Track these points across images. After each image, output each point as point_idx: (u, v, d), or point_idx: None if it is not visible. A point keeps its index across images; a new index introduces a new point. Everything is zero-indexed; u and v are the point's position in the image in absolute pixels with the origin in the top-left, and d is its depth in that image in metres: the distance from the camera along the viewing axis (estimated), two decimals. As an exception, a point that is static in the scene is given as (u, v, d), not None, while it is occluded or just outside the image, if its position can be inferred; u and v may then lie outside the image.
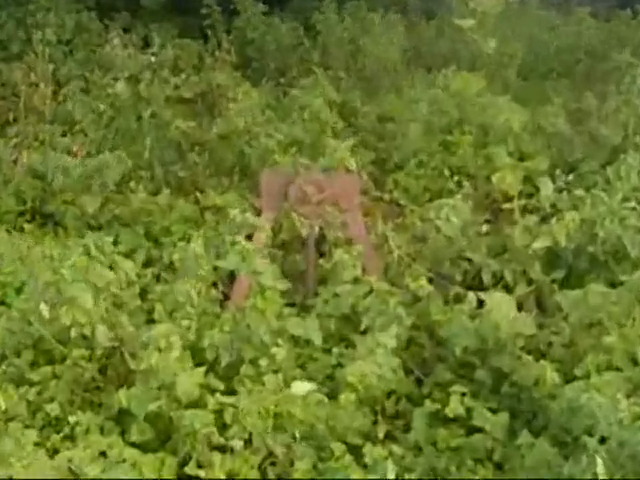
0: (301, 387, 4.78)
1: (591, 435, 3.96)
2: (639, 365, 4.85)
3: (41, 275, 5.08)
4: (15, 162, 8.44)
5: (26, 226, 7.84)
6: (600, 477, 3.20)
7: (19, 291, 5.97)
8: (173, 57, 11.01)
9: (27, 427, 4.53)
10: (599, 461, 3.30)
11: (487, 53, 10.92)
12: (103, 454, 4.40)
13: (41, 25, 11.62)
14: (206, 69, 11.10)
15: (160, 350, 4.74)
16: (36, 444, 4.29)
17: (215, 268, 5.84)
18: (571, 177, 7.41)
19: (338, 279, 6.02)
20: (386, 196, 8.48)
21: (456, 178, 8.15)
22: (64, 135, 9.16)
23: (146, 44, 11.33)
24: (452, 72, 9.52)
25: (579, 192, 6.65)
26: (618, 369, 4.86)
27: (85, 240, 6.26)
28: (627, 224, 6.23)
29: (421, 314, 5.87)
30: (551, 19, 13.81)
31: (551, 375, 4.87)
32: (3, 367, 5.12)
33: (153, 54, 10.63)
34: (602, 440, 3.95)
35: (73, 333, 5.00)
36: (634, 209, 6.42)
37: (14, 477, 3.69)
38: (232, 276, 6.04)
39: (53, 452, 4.42)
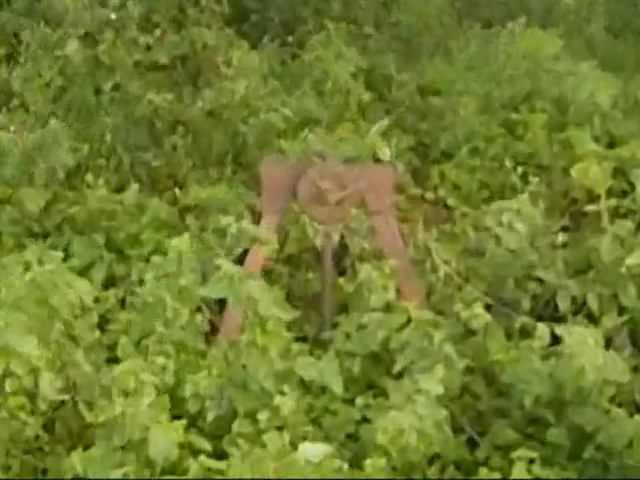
0: (313, 450, 4.80)
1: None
2: None
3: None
4: None
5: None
6: None
7: None
8: (144, 9, 11.05)
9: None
10: None
11: (565, 1, 10.97)
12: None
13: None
14: (188, 24, 11.14)
15: (126, 397, 4.78)
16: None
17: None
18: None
19: (364, 305, 6.12)
20: (429, 195, 8.49)
21: (523, 170, 8.20)
22: (-3, 110, 9.19)
23: None
24: (519, 28, 9.51)
25: None
26: None
27: (25, 253, 6.35)
28: None
29: (476, 352, 5.92)
30: None
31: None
32: None
33: (119, 3, 10.71)
34: None
35: (8, 386, 5.01)
36: None
37: None
38: (222, 301, 6.07)
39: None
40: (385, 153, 7.56)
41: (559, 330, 5.55)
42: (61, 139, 7.88)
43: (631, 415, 5.14)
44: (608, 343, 5.63)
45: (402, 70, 10.40)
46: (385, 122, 7.77)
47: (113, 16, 10.23)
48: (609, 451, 5.07)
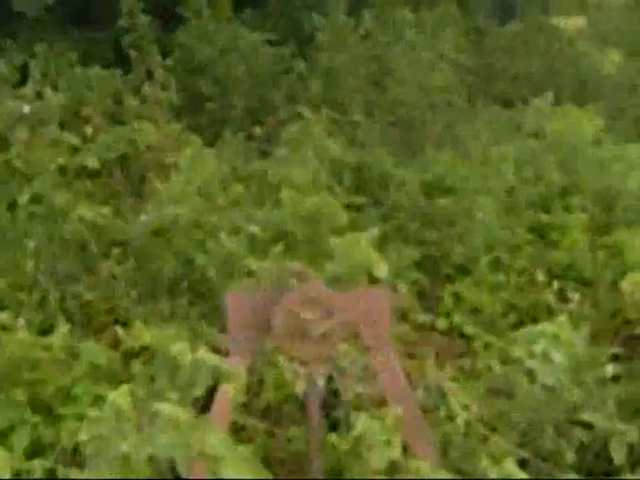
0: None
1: None
2: None
3: None
4: None
5: None
6: None
7: None
8: (70, 98, 11.13)
9: None
10: None
11: (608, 73, 11.07)
12: None
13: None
14: (128, 117, 11.24)
15: None
16: None
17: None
18: None
19: (362, 467, 6.10)
20: (441, 322, 8.56)
21: (559, 286, 8.30)
22: None
23: (23, 77, 11.46)
24: (547, 105, 9.59)
25: None
26: None
27: None
28: None
29: None
30: None
31: None
32: None
33: (36, 93, 10.80)
34: None
35: None
36: None
37: None
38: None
39: None
40: (382, 271, 7.63)
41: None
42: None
43: None
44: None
45: (401, 165, 10.44)
46: (376, 230, 7.87)
47: (26, 109, 10.27)
48: None
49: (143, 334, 7.65)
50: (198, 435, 5.44)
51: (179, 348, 6.05)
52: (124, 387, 6.34)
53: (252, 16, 14.45)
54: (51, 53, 12.88)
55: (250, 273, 7.90)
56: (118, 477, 5.81)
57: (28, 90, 10.47)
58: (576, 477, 6.21)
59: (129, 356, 7.85)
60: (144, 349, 7.67)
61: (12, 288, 8.52)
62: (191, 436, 5.42)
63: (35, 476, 6.57)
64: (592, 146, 9.12)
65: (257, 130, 11.84)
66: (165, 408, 5.51)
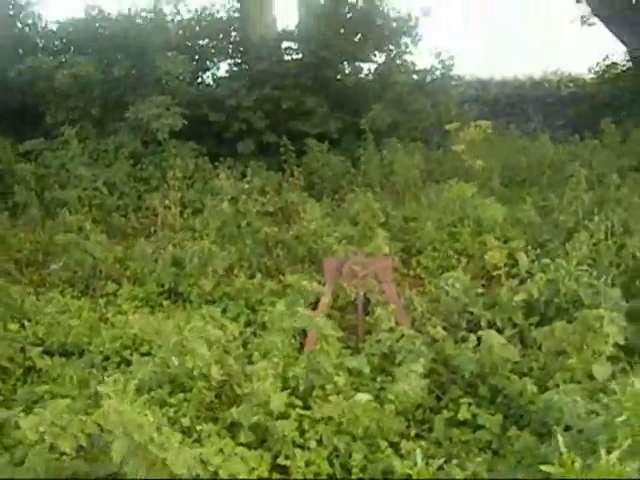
0: (362, 397, 4.89)
1: (558, 425, 4.03)
2: (593, 379, 4.90)
3: (172, 337, 5.19)
4: (156, 260, 8.56)
5: (164, 302, 7.88)
6: (562, 451, 3.26)
7: (159, 348, 5.82)
8: (261, 184, 11.27)
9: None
10: (560, 440, 3.36)
11: (476, 169, 11.02)
12: (221, 451, 4.52)
13: (171, 167, 12.02)
14: (284, 191, 11.35)
15: (258, 380, 4.86)
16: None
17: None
18: (540, 251, 7.54)
19: (379, 329, 6.08)
20: (411, 272, 8.51)
21: (457, 257, 8.26)
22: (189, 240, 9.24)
23: (243, 176, 11.59)
24: (454, 183, 9.56)
25: (546, 261, 6.73)
26: (578, 382, 4.91)
27: (203, 310, 6.47)
28: (581, 281, 6.32)
29: (439, 351, 5.87)
30: (522, 143, 13.83)
31: (530, 388, 4.94)
32: (151, 394, 5.21)
33: (247, 182, 10.96)
34: (566, 428, 4.02)
35: (195, 372, 5.11)
36: (586, 271, 6.51)
37: (168, 462, 3.82)
38: (304, 331, 6.07)
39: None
40: (387, 251, 7.68)
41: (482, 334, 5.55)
42: (221, 256, 8.03)
43: (521, 378, 5.10)
44: (507, 343, 5.57)
45: (395, 209, 10.29)
46: (385, 235, 7.91)
47: (246, 186, 10.44)
48: (510, 397, 5.07)
49: (291, 278, 7.30)
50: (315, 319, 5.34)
51: (305, 282, 6.16)
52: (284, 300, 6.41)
53: (334, 150, 14.11)
54: (253, 166, 12.69)
55: (334, 252, 7.92)
56: (279, 332, 5.83)
57: (247, 179, 11.00)
58: (465, 333, 6.03)
59: (285, 287, 7.59)
60: (291, 284, 7.08)
61: (238, 259, 8.56)
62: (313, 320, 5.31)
63: (247, 334, 6.58)
64: (471, 199, 8.96)
65: (335, 196, 11.72)
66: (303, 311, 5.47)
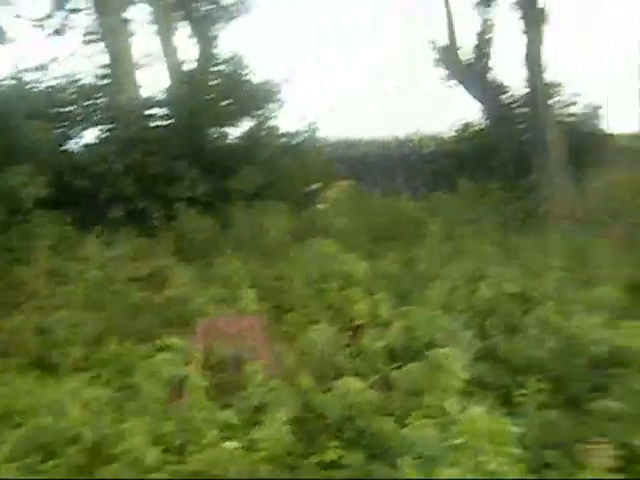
0: (229, 445, 5.07)
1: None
2: (446, 414, 5.31)
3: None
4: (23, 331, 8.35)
5: (34, 372, 7.46)
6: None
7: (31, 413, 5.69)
8: (132, 250, 11.20)
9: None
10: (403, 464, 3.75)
11: (339, 227, 11.47)
12: None
13: (37, 236, 11.77)
14: (154, 256, 11.31)
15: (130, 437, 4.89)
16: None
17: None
18: (401, 301, 8.07)
19: (252, 384, 6.21)
20: (283, 328, 8.47)
21: (327, 311, 8.55)
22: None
23: (113, 242, 11.44)
24: (318, 240, 9.94)
25: (404, 309, 7.21)
26: (434, 417, 5.32)
27: (74, 378, 6.40)
28: (436, 325, 6.83)
29: (307, 400, 6.04)
30: (383, 201, 14.50)
31: (390, 426, 5.31)
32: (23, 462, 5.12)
33: (117, 248, 10.87)
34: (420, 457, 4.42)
35: (68, 434, 5.13)
36: (440, 316, 7.05)
37: None
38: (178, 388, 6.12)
39: None
40: (256, 309, 7.86)
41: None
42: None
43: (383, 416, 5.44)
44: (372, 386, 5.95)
45: (266, 268, 10.30)
46: (255, 294, 8.07)
47: (115, 252, 10.14)
48: (372, 435, 5.41)
49: (165, 340, 7.16)
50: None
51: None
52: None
53: (205, 214, 14.22)
54: (123, 233, 12.54)
55: (207, 313, 7.92)
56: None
57: (117, 246, 10.93)
58: (332, 381, 6.22)
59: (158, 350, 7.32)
60: (165, 346, 7.05)
61: (109, 326, 8.45)
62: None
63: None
64: (336, 256, 9.35)
65: (206, 259, 11.70)
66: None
